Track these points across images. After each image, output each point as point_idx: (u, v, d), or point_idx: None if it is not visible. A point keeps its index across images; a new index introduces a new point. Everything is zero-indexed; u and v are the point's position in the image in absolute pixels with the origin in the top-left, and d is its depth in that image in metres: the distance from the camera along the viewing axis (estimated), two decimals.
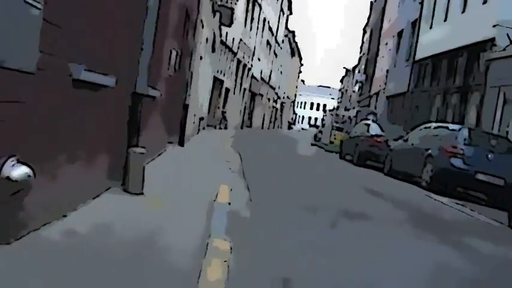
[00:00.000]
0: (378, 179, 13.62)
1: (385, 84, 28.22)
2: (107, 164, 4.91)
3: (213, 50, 22.98)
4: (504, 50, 15.58)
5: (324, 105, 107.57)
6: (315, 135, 43.00)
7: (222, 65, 26.96)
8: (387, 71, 28.38)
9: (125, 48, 5.00)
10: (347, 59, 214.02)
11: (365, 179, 13.18)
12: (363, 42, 59.09)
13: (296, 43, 70.07)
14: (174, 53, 9.12)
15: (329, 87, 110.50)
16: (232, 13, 21.56)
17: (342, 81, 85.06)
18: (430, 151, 12.01)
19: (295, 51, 70.85)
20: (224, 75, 27.76)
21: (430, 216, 8.40)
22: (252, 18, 33.28)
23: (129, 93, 5.51)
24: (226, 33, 25.50)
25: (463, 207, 9.88)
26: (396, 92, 25.48)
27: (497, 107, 15.29)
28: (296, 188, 8.73)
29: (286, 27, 57.11)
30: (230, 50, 27.88)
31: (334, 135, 24.70)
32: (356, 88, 46.54)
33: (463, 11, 18.75)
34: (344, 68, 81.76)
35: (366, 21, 56.19)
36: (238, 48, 29.88)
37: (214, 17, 18.88)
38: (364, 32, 59.61)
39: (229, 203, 5.53)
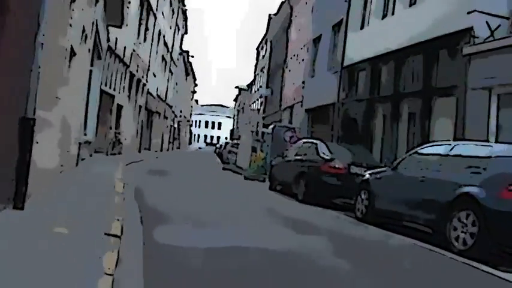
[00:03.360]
0: (358, 232, 8.10)
1: (302, 96, 23.24)
2: None
3: (99, 57, 16.40)
4: (485, 42, 11.00)
5: (219, 123, 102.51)
6: (221, 157, 37.12)
7: (112, 77, 20.28)
8: (303, 82, 23.43)
9: None
10: (240, 79, 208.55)
11: (337, 233, 7.64)
12: (257, 60, 54.78)
13: (190, 63, 64.19)
14: None
15: (223, 105, 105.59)
16: (122, 8, 15.20)
17: (235, 100, 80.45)
18: (468, 189, 6.58)
19: (189, 71, 64.90)
20: (115, 89, 21.04)
21: None
22: (147, 29, 26.85)
23: None
24: (116, 39, 19.01)
25: None
26: (319, 104, 20.50)
27: (490, 113, 10.55)
28: None
29: (181, 46, 51.05)
30: (121, 60, 21.31)
31: (255, 156, 19.04)
32: (258, 104, 41.57)
33: (412, 3, 14.10)
34: (236, 87, 77.52)
35: (260, 40, 51.92)
36: (131, 60, 23.33)
37: (96, 3, 12.50)
38: (258, 51, 55.42)
39: None
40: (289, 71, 28.07)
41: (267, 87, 35.99)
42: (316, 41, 22.38)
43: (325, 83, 19.83)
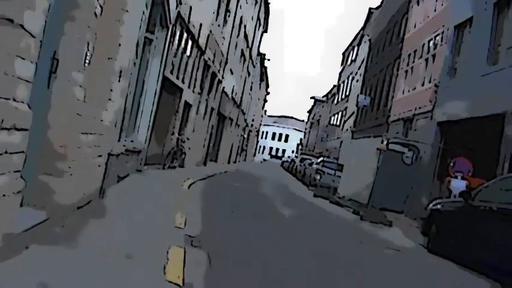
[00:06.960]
0: None
1: (433, 104, 17.11)
2: None
3: (165, 24, 11.30)
4: None
5: (287, 136, 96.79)
6: (294, 173, 31.77)
7: (181, 63, 15.20)
8: (436, 85, 17.30)
9: None
10: (315, 89, 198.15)
11: None
12: (343, 66, 48.88)
13: (266, 67, 59.03)
14: None
15: (292, 117, 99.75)
16: None
17: (310, 111, 74.70)
18: None
19: (264, 76, 59.82)
20: (184, 81, 15.94)
21: None
22: (228, 10, 21.77)
23: None
24: (191, 8, 13.88)
25: None
26: (468, 115, 14.34)
27: None
28: None
29: (259, 46, 45.96)
30: (195, 42, 16.19)
31: None
32: (341, 117, 35.54)
33: None
34: (312, 97, 71.95)
35: (348, 44, 46.11)
36: (207, 44, 18.23)
37: None
38: (344, 56, 49.59)
39: None
40: (405, 72, 21.97)
41: (362, 94, 29.91)
42: (461, 27, 16.27)
43: (482, 84, 13.67)
